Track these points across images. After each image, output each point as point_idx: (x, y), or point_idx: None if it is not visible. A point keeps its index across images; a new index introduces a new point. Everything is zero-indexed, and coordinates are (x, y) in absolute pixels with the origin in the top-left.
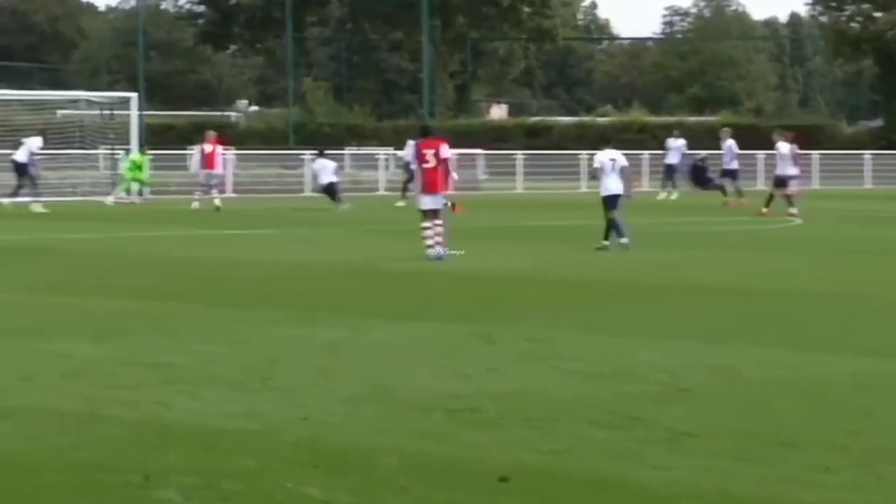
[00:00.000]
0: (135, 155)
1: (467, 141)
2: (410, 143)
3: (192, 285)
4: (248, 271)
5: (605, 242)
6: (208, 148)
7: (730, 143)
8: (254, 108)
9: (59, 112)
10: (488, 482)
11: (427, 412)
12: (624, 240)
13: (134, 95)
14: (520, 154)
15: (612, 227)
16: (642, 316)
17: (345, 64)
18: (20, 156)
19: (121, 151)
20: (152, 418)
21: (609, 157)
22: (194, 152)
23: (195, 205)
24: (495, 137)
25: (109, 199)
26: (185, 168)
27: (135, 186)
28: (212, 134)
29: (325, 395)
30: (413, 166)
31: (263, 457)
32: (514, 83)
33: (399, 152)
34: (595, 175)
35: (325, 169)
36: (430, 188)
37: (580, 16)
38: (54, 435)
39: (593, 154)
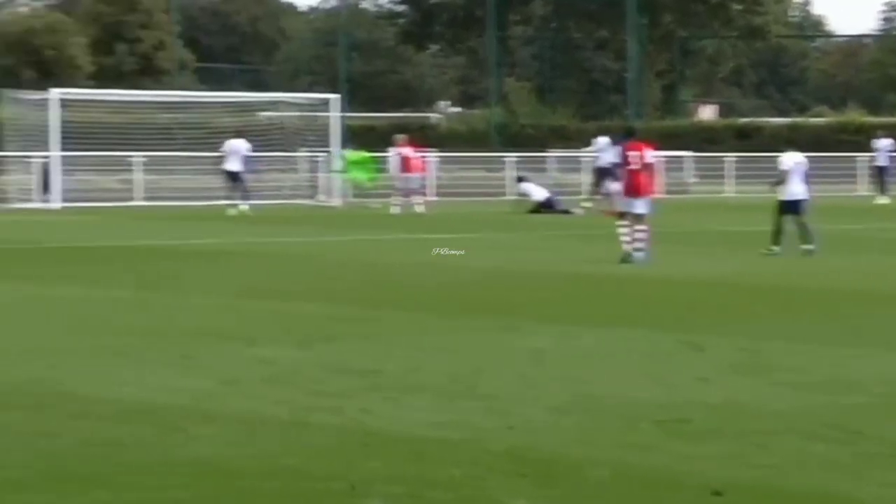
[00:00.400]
0: (351, 153)
1: (675, 142)
2: (601, 140)
3: (394, 290)
4: (451, 276)
5: (775, 248)
6: (405, 151)
7: None
8: (454, 108)
9: (261, 114)
10: (701, 496)
11: (635, 422)
12: (810, 246)
13: (335, 97)
14: (730, 156)
15: (780, 232)
16: (855, 325)
17: (548, 63)
18: (233, 164)
19: (322, 154)
20: (357, 426)
21: (795, 161)
22: (391, 155)
23: (394, 209)
24: (704, 139)
25: (322, 199)
26: (385, 171)
27: (339, 184)
28: (401, 137)
29: (531, 404)
30: (603, 165)
31: (469, 466)
32: (723, 82)
33: (594, 152)
34: (782, 179)
35: (534, 190)
36: (634, 191)
37: (793, 12)
38: (258, 441)
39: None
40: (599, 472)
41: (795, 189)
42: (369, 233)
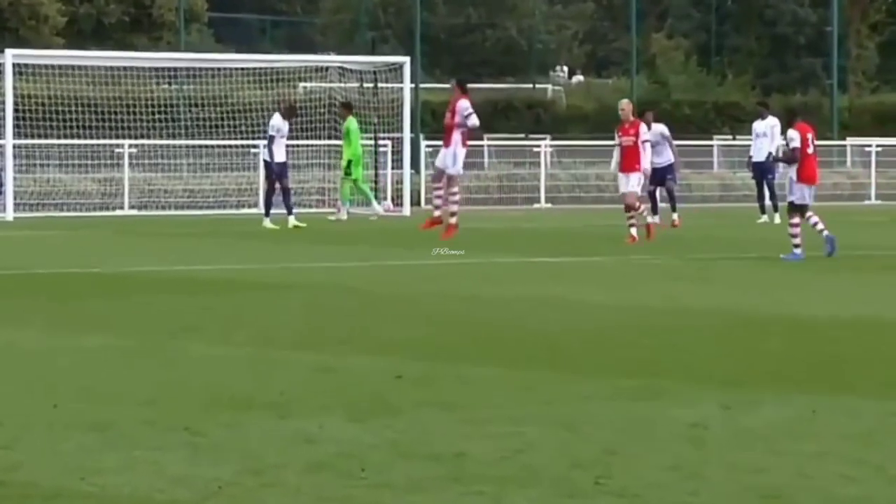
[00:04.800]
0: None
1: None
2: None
3: (483, 337)
4: (564, 317)
5: None
6: None
7: None
8: (578, 77)
9: (302, 85)
10: None
11: None
12: None
13: (407, 60)
14: None
15: None
16: None
17: (714, 14)
18: (280, 152)
19: (387, 141)
20: None
21: None
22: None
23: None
24: None
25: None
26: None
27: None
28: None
29: None
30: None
31: None
32: None
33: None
34: None
35: None
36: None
37: None
38: None
39: None
40: None
41: None
42: (452, 255)
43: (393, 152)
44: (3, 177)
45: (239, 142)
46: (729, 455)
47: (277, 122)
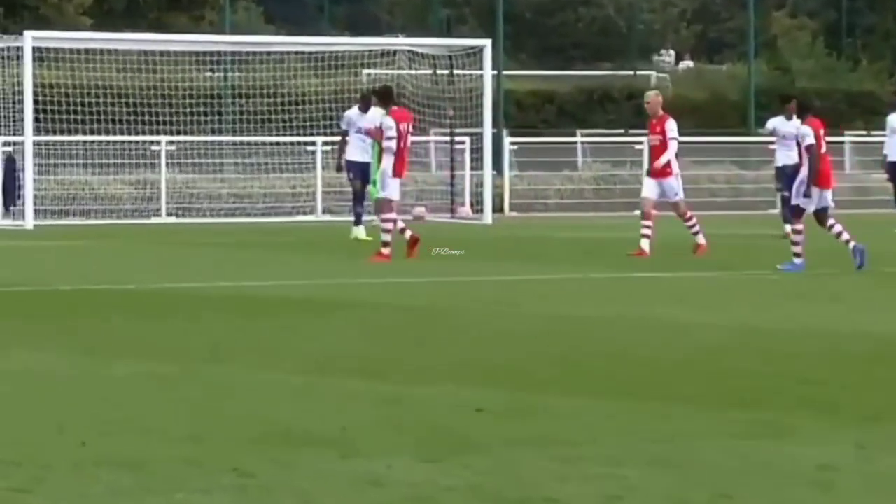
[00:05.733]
0: None
1: None
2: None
3: (574, 362)
4: (673, 341)
5: None
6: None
7: None
8: (685, 63)
9: (366, 72)
10: None
11: None
12: None
13: (487, 43)
14: None
15: None
16: None
17: None
18: (350, 151)
19: (464, 137)
20: None
21: None
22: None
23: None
24: None
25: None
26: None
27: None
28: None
29: None
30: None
31: None
32: None
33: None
34: None
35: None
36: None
37: None
38: None
39: None
40: None
41: None
42: (537, 268)
43: (472, 150)
44: (22, 178)
45: (293, 138)
46: (863, 503)
47: (351, 114)
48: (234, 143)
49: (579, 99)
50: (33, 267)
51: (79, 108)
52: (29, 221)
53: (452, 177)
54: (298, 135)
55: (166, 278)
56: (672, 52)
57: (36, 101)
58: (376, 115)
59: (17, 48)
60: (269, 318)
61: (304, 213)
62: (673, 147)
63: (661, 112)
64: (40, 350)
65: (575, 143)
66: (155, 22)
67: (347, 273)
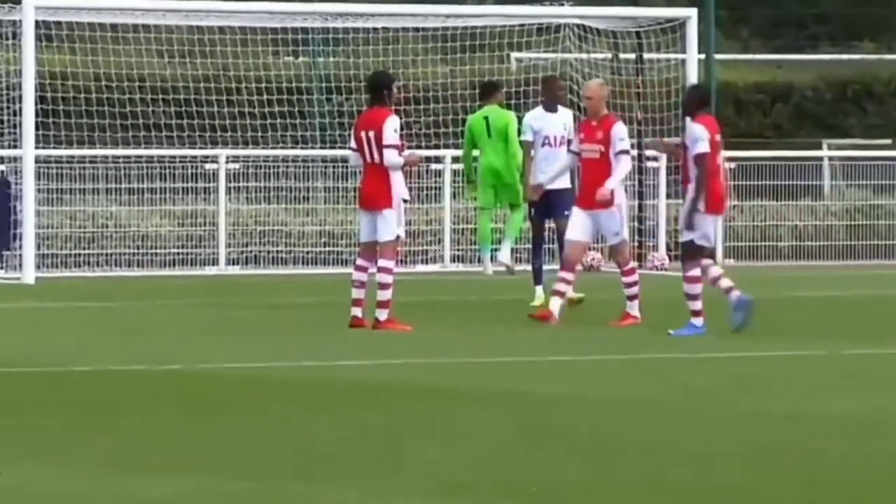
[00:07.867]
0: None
1: None
2: None
3: (826, 484)
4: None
5: None
6: None
7: None
8: None
9: (514, 56)
10: None
11: None
12: None
13: (692, 14)
14: None
15: None
16: None
17: None
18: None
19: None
20: None
21: None
22: None
23: None
24: None
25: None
26: None
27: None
28: None
29: None
30: None
31: None
32: None
33: None
34: None
35: None
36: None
37: None
38: None
39: None
40: None
41: None
42: (762, 343)
43: (669, 170)
44: (18, 211)
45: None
46: None
47: (534, 118)
48: (326, 160)
49: (824, 95)
50: (36, 339)
51: (99, 109)
52: (29, 273)
53: (640, 208)
54: (419, 146)
55: (224, 356)
56: None
57: (39, 99)
58: (567, 116)
59: (13, 23)
60: (380, 413)
61: (426, 263)
62: (625, 164)
63: (605, 111)
64: (47, 459)
65: (820, 159)
66: None
67: (478, 349)
